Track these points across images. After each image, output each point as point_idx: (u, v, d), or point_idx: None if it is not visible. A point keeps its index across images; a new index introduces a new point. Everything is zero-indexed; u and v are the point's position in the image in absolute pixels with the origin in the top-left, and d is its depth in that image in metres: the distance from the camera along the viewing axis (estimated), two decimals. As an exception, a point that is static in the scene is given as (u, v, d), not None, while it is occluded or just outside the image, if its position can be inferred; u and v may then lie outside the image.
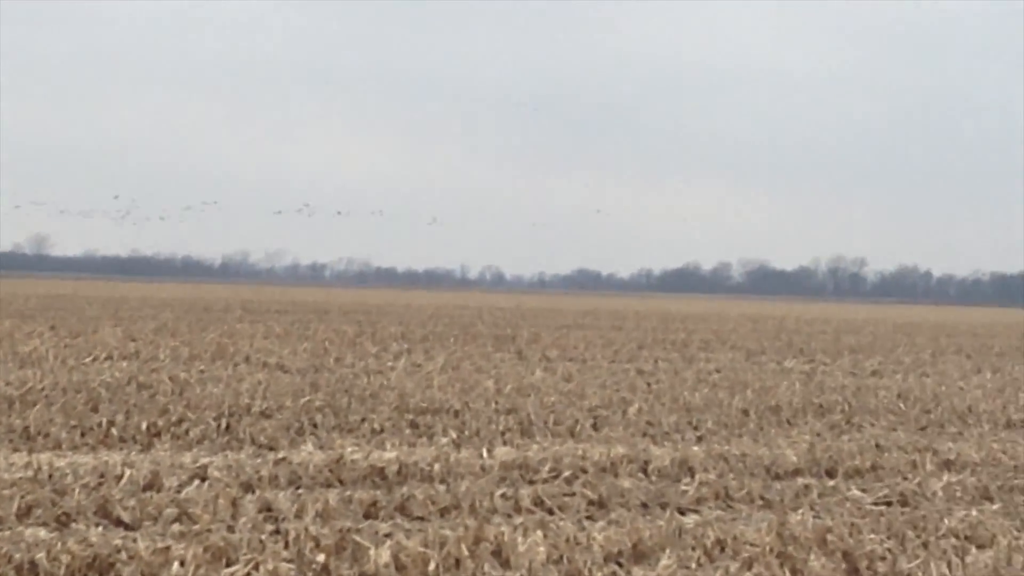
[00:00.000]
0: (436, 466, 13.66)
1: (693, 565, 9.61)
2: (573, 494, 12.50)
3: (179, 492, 11.81)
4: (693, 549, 10.07)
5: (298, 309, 65.46)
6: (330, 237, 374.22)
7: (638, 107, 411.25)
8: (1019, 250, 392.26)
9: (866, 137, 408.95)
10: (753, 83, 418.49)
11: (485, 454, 14.82)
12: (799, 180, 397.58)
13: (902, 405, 21.84)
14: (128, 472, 12.52)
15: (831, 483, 13.72)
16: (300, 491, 12.33)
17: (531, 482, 13.23)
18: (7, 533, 10.07)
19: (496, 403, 20.00)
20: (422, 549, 9.62)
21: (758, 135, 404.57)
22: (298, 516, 11.06)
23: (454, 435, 16.34)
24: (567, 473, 13.54)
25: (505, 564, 9.58)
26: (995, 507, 12.60)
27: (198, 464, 13.36)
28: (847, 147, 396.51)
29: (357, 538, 9.92)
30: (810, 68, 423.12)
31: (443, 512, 11.62)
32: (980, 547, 10.63)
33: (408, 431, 16.75)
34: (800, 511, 11.93)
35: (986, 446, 16.93)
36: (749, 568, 9.51)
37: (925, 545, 10.49)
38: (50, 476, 12.33)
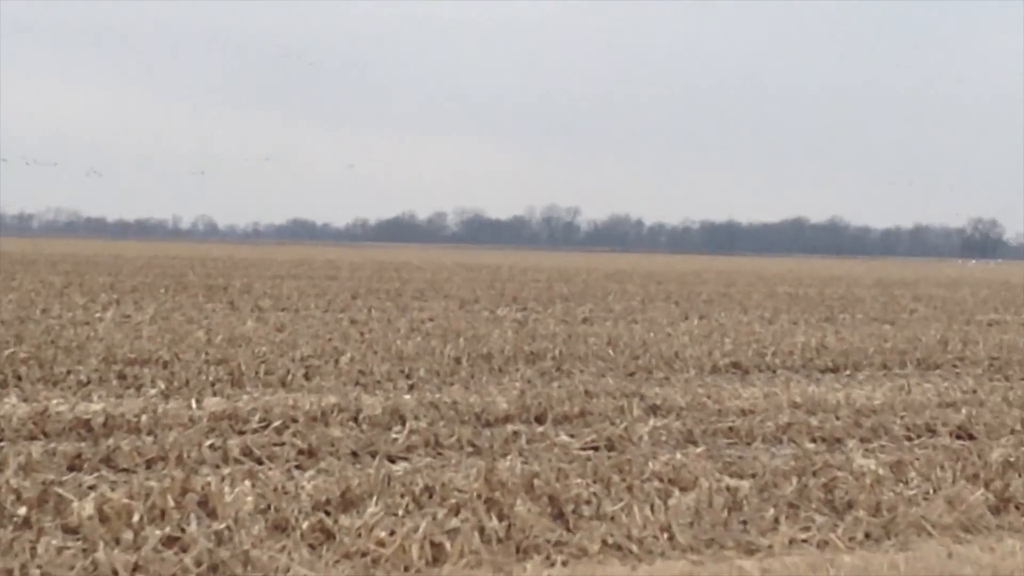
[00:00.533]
0: (143, 417, 13.39)
1: (401, 512, 9.59)
2: (283, 444, 12.39)
3: None
4: (402, 496, 10.05)
5: (2, 259, 63.30)
6: (37, 187, 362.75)
7: (355, 58, 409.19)
8: (727, 199, 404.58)
9: (580, 88, 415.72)
10: (467, 32, 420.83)
11: (194, 405, 14.58)
12: (514, 131, 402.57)
13: (611, 352, 22.22)
14: None
15: (540, 429, 13.84)
16: (2, 444, 11.98)
17: (240, 432, 13.08)
18: None
19: (207, 354, 19.70)
20: (127, 501, 9.38)
21: (473, 85, 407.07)
22: (-1, 470, 10.69)
23: (163, 386, 16.03)
24: (277, 423, 13.41)
25: (212, 514, 9.42)
26: (699, 450, 12.89)
27: None
28: (561, 98, 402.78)
29: (60, 491, 9.64)
30: (522, 18, 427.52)
31: (149, 464, 11.39)
32: (683, 490, 10.85)
33: (116, 383, 16.37)
34: (509, 457, 12.03)
35: (692, 391, 17.34)
36: (456, 514, 9.54)
37: (630, 488, 10.67)
38: None
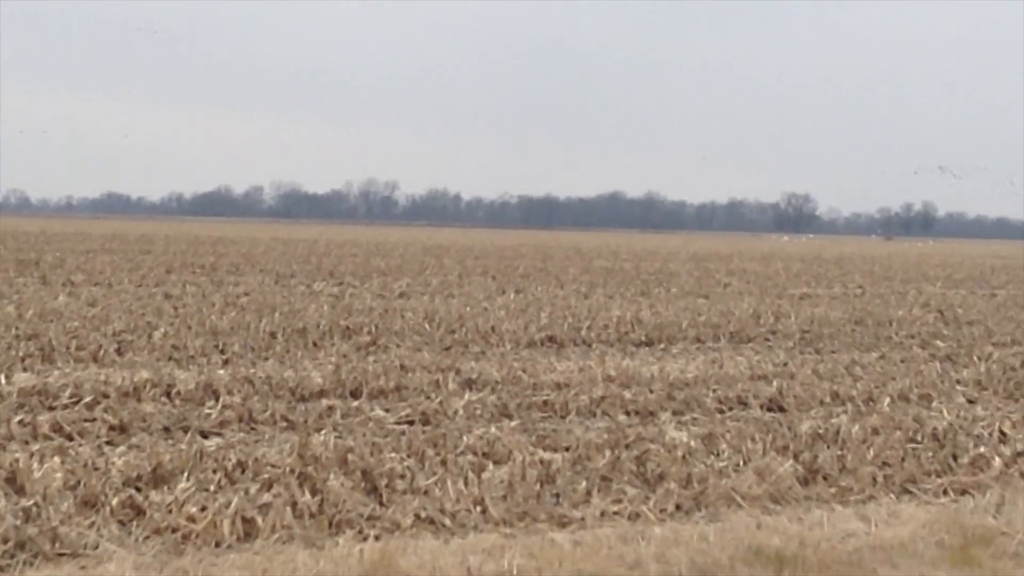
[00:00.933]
0: (-51, 394, 13.07)
1: (212, 487, 9.48)
2: (94, 420, 12.19)
3: None
4: (214, 472, 9.95)
5: None
6: None
7: (173, 30, 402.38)
8: (545, 174, 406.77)
9: (400, 62, 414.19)
10: (283, 6, 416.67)
11: (3, 380, 14.26)
12: (333, 105, 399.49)
13: (428, 326, 22.20)
14: None
15: (355, 404, 13.80)
16: None
17: (51, 408, 12.84)
18: None
19: (16, 329, 19.29)
20: (-70, 478, 9.18)
21: (293, 60, 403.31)
22: None
23: (-31, 361, 15.66)
24: (88, 399, 13.20)
25: (20, 491, 9.26)
26: (513, 424, 12.95)
27: None
28: (381, 72, 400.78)
29: None
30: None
31: (-44, 441, 11.13)
32: (497, 463, 10.90)
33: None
34: (323, 432, 11.97)
35: (507, 365, 17.40)
36: (269, 488, 9.47)
37: (444, 462, 10.68)
38: None
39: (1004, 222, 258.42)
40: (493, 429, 12.44)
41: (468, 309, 26.52)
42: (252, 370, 15.98)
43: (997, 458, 11.66)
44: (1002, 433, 13.03)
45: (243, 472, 10.05)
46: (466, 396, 14.40)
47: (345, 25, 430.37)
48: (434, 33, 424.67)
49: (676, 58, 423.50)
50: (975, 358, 19.86)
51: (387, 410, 13.50)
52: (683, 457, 11.17)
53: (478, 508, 9.52)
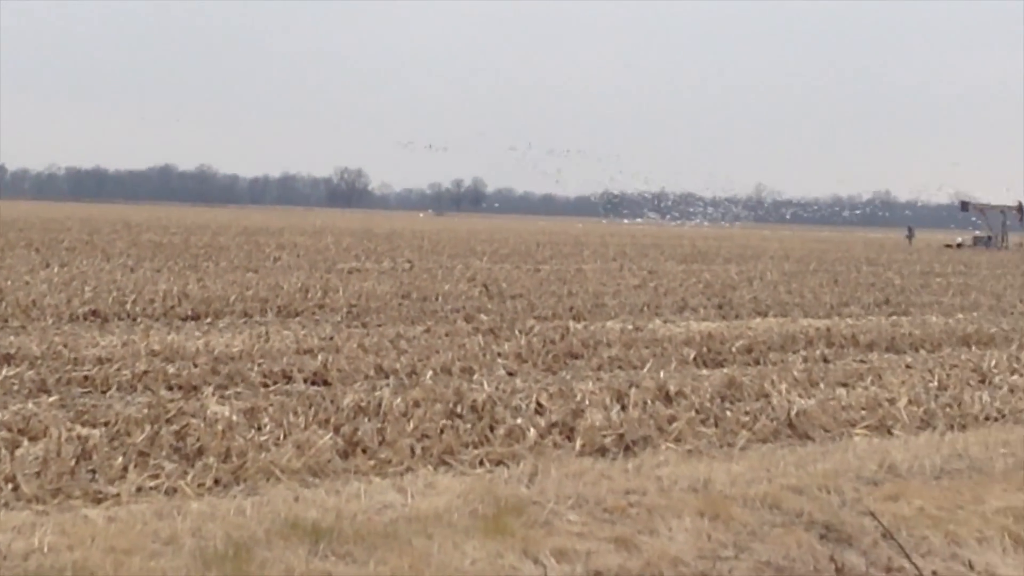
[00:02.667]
0: None
1: None
2: None
3: None
4: None
5: None
6: None
7: None
8: (95, 145, 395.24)
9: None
10: None
11: None
12: None
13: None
14: None
15: None
16: None
17: None
18: None
19: None
20: None
21: None
22: None
23: None
24: None
25: None
26: (51, 400, 12.61)
27: None
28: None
29: None
30: None
31: None
32: (32, 439, 10.61)
33: None
34: None
35: (48, 340, 16.93)
36: None
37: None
38: None
39: (550, 199, 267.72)
40: (30, 405, 12.09)
41: (9, 283, 25.59)
42: None
43: (532, 429, 12.07)
44: (539, 405, 13.46)
45: None
46: (3, 371, 13.91)
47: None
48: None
49: (230, 29, 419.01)
50: (517, 332, 20.50)
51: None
52: (223, 432, 11.11)
53: (10, 485, 9.25)
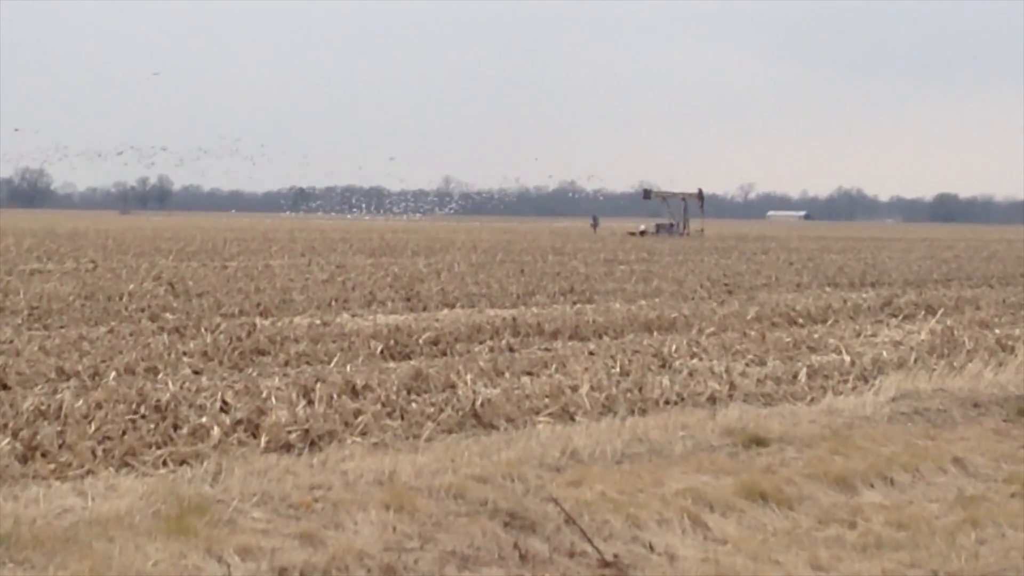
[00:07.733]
0: None
1: None
2: None
3: None
4: None
5: None
6: None
7: None
8: None
9: None
10: None
11: None
12: None
13: None
14: None
15: None
16: None
17: None
18: None
19: None
20: None
21: None
22: None
23: None
24: None
25: None
26: None
27: None
28: None
29: None
30: None
31: None
32: None
33: None
34: None
35: None
36: None
37: None
38: None
39: (239, 195, 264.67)
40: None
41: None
42: None
43: (217, 427, 12.06)
44: (224, 403, 13.43)
45: None
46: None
47: None
48: None
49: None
50: (203, 329, 20.36)
51: None
52: None
53: None
